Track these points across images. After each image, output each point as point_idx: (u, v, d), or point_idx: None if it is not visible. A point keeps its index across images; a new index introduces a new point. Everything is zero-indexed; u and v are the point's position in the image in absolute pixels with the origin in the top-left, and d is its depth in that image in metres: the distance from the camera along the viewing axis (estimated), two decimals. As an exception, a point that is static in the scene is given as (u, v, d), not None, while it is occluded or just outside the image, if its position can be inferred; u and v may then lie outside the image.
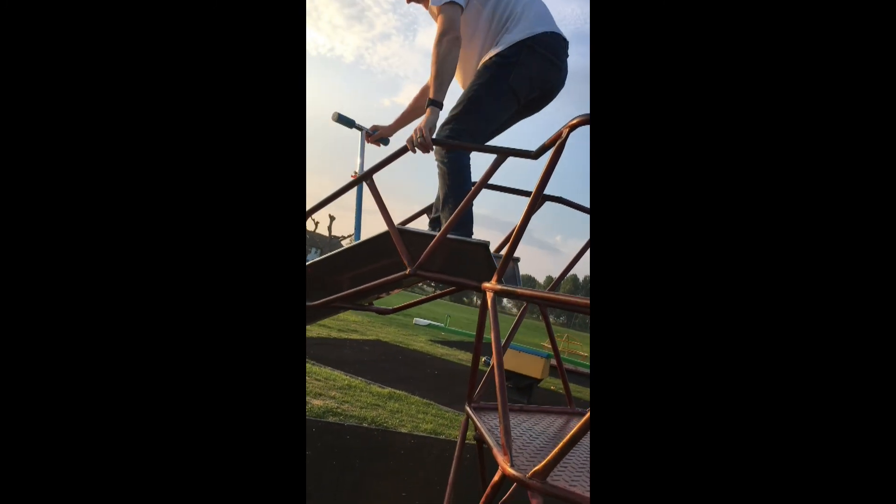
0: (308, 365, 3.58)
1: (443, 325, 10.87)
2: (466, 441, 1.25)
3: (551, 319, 1.57)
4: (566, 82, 1.60)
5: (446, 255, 1.33)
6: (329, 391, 3.01)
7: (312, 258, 1.54)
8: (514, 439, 1.04)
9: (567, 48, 1.55)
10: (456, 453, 1.21)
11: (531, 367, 4.29)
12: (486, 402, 1.27)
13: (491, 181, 1.31)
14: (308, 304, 1.48)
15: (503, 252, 1.25)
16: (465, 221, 1.44)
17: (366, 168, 1.58)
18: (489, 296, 1.04)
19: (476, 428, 1.10)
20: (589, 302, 0.65)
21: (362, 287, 1.41)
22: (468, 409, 1.21)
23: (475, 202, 1.40)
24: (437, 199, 1.57)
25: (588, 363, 8.71)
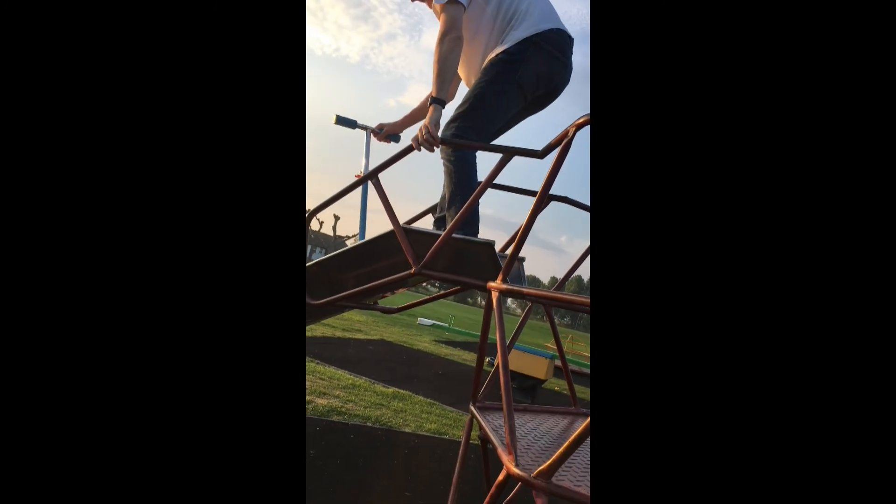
0: (312, 364, 3.59)
1: (447, 325, 10.87)
2: (471, 441, 1.25)
3: (556, 320, 1.57)
4: (571, 81, 1.60)
5: (451, 255, 1.33)
6: (333, 390, 3.02)
7: (317, 258, 1.55)
8: (519, 439, 1.03)
9: (572, 45, 1.54)
10: (460, 452, 1.21)
11: (535, 367, 4.28)
12: (491, 402, 1.27)
13: (496, 181, 1.31)
14: (313, 302, 1.48)
15: (508, 252, 1.25)
16: (470, 221, 1.44)
17: (371, 167, 1.58)
18: (494, 295, 1.04)
19: (480, 427, 1.10)
20: (589, 301, 0.65)
21: (367, 286, 1.41)
22: (473, 408, 1.21)
23: (480, 201, 1.40)
24: (443, 198, 1.57)
25: (592, 364, 8.64)
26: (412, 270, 1.31)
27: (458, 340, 8.72)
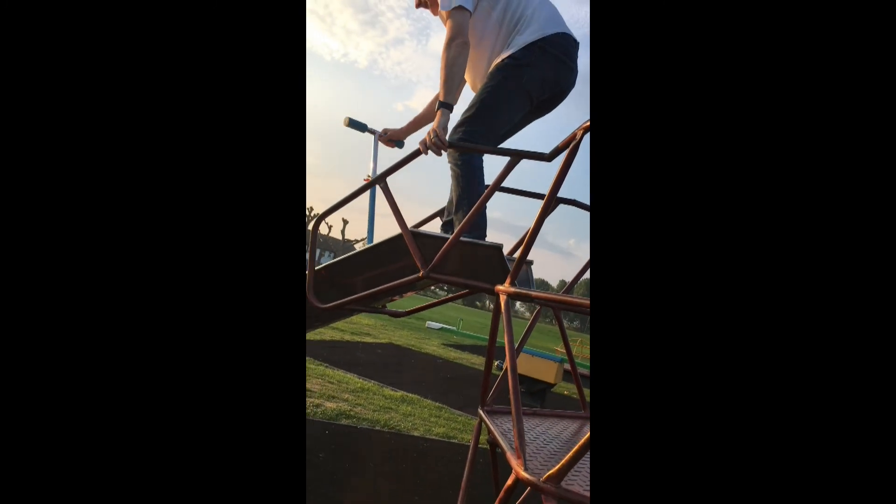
0: (321, 367, 3.60)
1: (455, 328, 10.85)
2: (480, 445, 1.25)
3: (566, 324, 1.56)
4: (577, 84, 1.60)
5: (459, 258, 1.33)
6: (342, 394, 3.02)
7: (326, 262, 1.55)
8: (528, 443, 1.03)
9: (577, 49, 1.55)
10: (469, 456, 1.20)
11: (544, 371, 4.26)
12: (500, 406, 1.26)
13: (504, 184, 1.31)
14: (321, 306, 1.49)
15: (516, 255, 1.25)
16: (478, 224, 1.44)
17: (379, 171, 1.59)
18: (502, 299, 1.03)
19: (489, 431, 1.10)
20: (589, 302, 0.65)
21: (375, 289, 1.41)
22: (481, 412, 1.21)
23: (488, 205, 1.40)
24: (450, 202, 1.57)
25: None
26: (420, 274, 1.31)
27: (466, 344, 8.70)
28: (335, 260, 1.55)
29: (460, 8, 1.42)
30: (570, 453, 0.72)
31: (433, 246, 1.32)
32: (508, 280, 1.04)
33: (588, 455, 1.01)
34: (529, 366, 4.27)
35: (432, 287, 1.88)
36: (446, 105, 1.40)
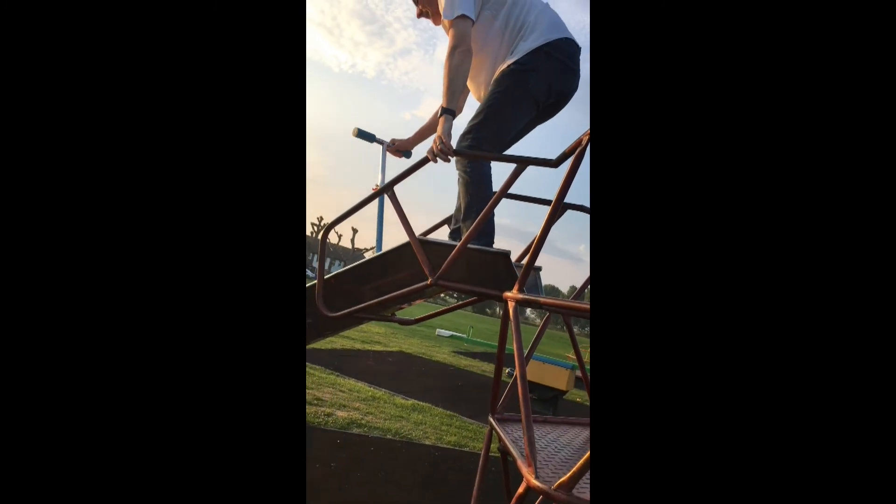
0: (332, 376, 3.60)
1: (465, 336, 10.82)
2: (491, 453, 1.24)
3: (576, 330, 1.55)
4: (579, 89, 1.61)
5: (467, 265, 1.33)
6: (353, 402, 3.02)
7: (336, 271, 1.56)
8: (539, 451, 1.02)
9: (580, 53, 1.55)
10: (480, 465, 1.20)
11: (556, 378, 4.22)
12: (510, 414, 1.25)
13: (511, 190, 1.31)
14: (331, 314, 1.49)
15: (524, 261, 1.25)
16: (486, 231, 1.45)
17: (387, 181, 1.60)
18: (511, 305, 1.03)
19: (500, 439, 1.09)
20: (589, 307, 0.65)
21: (384, 297, 1.42)
22: (491, 420, 1.20)
23: (497, 212, 1.41)
24: (457, 209, 1.58)
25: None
26: (428, 281, 1.31)
27: (476, 351, 8.67)
28: (344, 268, 1.56)
29: (463, 16, 1.43)
30: (582, 461, 0.71)
31: (441, 253, 1.33)
32: (517, 286, 1.03)
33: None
34: (540, 373, 4.23)
35: (442, 295, 1.88)
36: (450, 111, 1.41)
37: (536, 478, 0.81)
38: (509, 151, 1.63)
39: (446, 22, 1.48)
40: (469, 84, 1.64)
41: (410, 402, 3.40)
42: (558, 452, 1.05)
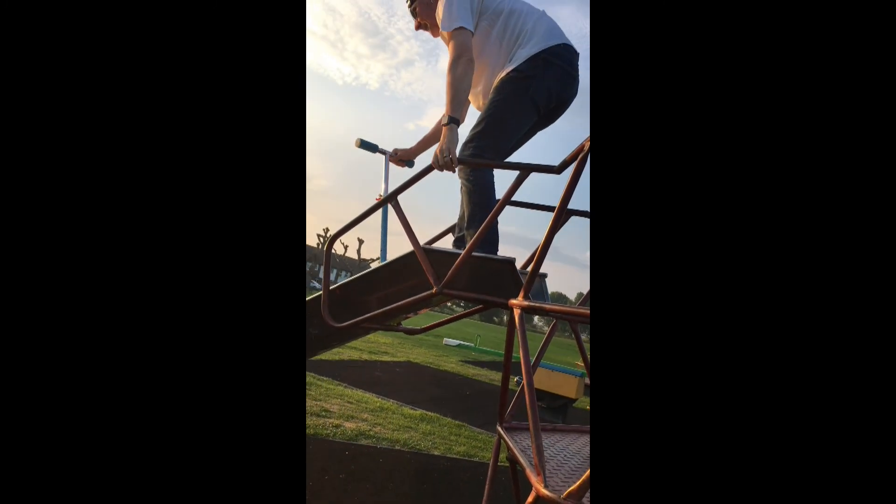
0: (340, 387, 3.60)
1: (473, 344, 10.78)
2: (500, 463, 1.22)
3: (585, 337, 1.54)
4: (578, 94, 1.61)
5: (472, 273, 1.33)
6: (361, 413, 3.01)
7: (343, 281, 1.57)
8: (548, 459, 1.01)
9: (578, 59, 1.57)
10: (489, 475, 1.19)
11: (565, 386, 4.18)
12: (518, 422, 1.24)
13: (515, 197, 1.31)
14: (337, 325, 1.49)
15: (529, 269, 1.24)
16: (490, 239, 1.44)
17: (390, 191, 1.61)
18: (516, 313, 1.03)
19: (508, 449, 1.08)
20: (588, 312, 0.65)
21: (389, 307, 1.42)
22: (500, 429, 1.19)
23: (503, 220, 1.41)
24: (461, 217, 1.58)
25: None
26: (434, 290, 1.31)
27: (484, 360, 8.63)
28: (350, 279, 1.56)
29: (462, 28, 1.45)
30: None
31: (446, 262, 1.33)
32: (522, 293, 1.03)
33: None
34: (550, 381, 4.20)
35: (449, 304, 1.88)
36: (455, 120, 1.42)
37: (546, 487, 0.80)
38: (511, 158, 1.64)
39: (445, 34, 1.49)
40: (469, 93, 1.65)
41: (419, 412, 3.38)
42: (568, 461, 1.04)
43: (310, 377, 3.65)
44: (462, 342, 10.82)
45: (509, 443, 1.07)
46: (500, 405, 1.22)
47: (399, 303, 1.41)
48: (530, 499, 0.82)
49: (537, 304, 0.98)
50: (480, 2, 1.54)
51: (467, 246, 1.27)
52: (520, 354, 0.96)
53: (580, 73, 1.59)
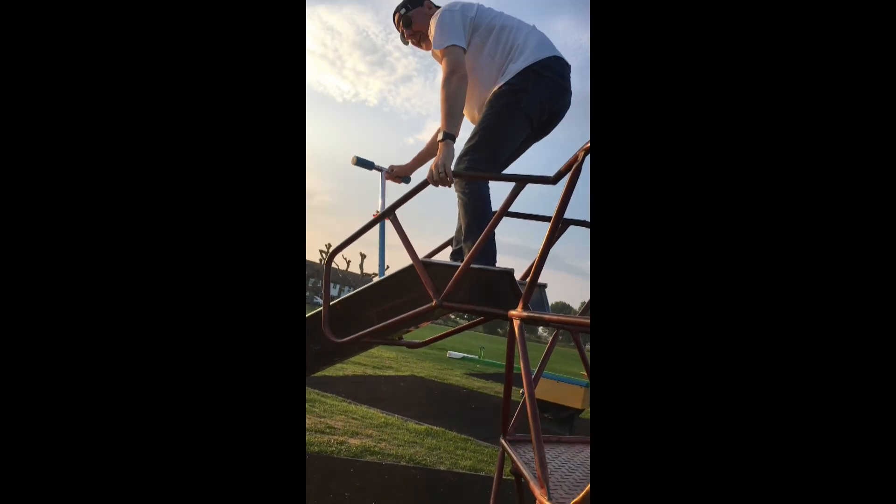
0: (344, 404, 3.57)
1: (477, 357, 10.72)
2: (504, 476, 1.21)
3: (587, 348, 1.54)
4: (572, 106, 1.63)
5: (471, 285, 1.33)
6: (366, 429, 2.99)
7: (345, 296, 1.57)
8: (552, 471, 1.00)
9: (570, 71, 1.58)
10: (493, 488, 1.17)
11: (570, 396, 4.14)
12: (522, 435, 1.23)
13: (512, 208, 1.32)
14: (337, 340, 1.49)
15: (528, 279, 1.24)
16: (488, 251, 1.45)
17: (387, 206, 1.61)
18: (516, 323, 1.03)
19: (512, 461, 1.07)
20: (588, 321, 0.65)
21: (390, 321, 1.42)
22: (503, 442, 1.18)
23: (502, 231, 1.41)
24: (458, 230, 1.58)
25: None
26: (433, 303, 1.31)
27: (489, 372, 8.57)
28: (349, 294, 1.56)
29: (454, 45, 1.47)
30: (593, 480, 0.70)
31: (444, 275, 1.33)
32: (521, 304, 1.03)
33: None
34: (555, 392, 4.16)
35: (452, 316, 1.87)
36: (450, 136, 1.43)
37: (549, 499, 0.79)
38: (507, 170, 1.65)
39: (438, 52, 1.52)
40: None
41: (424, 426, 3.36)
42: (573, 472, 1.03)
43: (314, 394, 3.64)
44: (466, 354, 10.76)
45: (513, 455, 1.06)
46: (503, 418, 1.21)
47: (399, 316, 1.41)
48: (534, 512, 0.81)
49: (537, 315, 0.98)
50: (472, 19, 1.56)
51: (465, 258, 1.28)
52: (520, 365, 0.95)
53: (576, 83, 1.61)
